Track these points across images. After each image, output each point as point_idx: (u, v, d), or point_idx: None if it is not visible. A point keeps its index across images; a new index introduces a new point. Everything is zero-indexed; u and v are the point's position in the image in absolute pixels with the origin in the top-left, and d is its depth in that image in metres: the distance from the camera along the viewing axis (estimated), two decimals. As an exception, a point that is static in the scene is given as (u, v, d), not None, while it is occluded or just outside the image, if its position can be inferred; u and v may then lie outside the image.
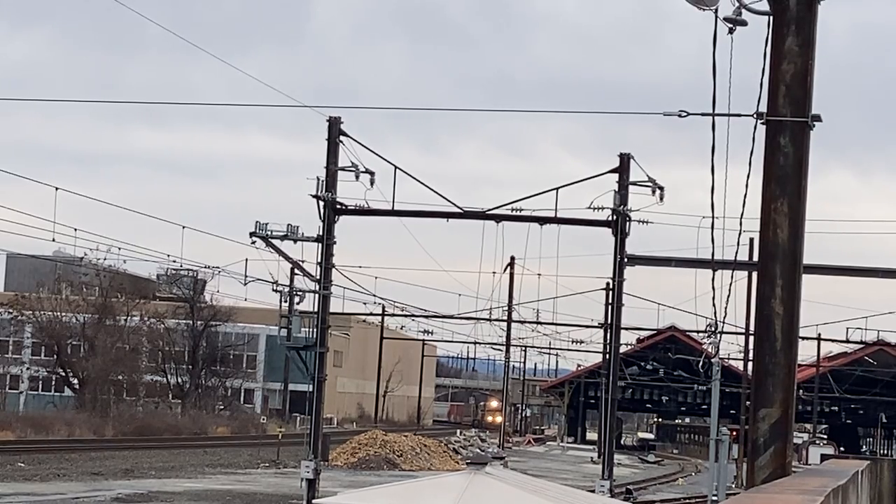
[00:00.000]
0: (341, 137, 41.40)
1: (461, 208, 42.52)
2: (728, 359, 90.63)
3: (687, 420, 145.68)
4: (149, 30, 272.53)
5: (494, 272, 56.21)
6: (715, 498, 46.10)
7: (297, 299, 43.70)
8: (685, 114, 28.35)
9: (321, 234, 41.58)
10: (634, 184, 43.13)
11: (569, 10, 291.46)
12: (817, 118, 12.53)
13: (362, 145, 41.63)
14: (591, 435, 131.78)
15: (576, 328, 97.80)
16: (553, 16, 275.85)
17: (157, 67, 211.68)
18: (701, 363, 68.46)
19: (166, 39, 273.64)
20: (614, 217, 42.56)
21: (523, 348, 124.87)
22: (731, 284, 15.37)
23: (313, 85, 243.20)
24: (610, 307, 48.29)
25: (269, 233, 42.11)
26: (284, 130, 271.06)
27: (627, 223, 42.79)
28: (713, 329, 42.69)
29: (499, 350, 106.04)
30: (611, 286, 46.60)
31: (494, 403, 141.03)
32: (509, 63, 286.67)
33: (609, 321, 49.89)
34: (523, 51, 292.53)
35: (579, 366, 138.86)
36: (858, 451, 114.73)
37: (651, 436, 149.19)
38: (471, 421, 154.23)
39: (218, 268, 63.57)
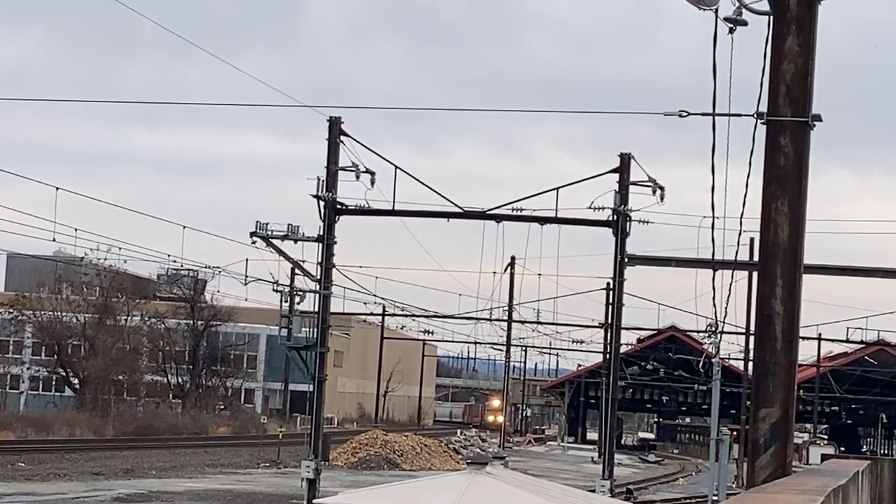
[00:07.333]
0: (341, 137, 41.41)
1: (461, 208, 42.49)
2: (728, 359, 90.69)
3: (687, 420, 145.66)
4: (144, 29, 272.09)
5: (495, 272, 56.18)
6: (715, 498, 46.09)
7: (297, 299, 43.72)
8: (685, 114, 28.40)
9: (321, 233, 41.57)
10: (635, 184, 43.11)
11: (564, 8, 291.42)
12: (818, 118, 12.54)
13: (363, 145, 41.67)
14: (592, 435, 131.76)
15: (576, 328, 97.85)
16: (548, 15, 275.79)
17: (152, 67, 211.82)
18: (701, 363, 68.52)
19: (161, 39, 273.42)
20: (614, 217, 42.54)
21: (524, 348, 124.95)
22: (731, 284, 15.40)
23: (308, 84, 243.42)
24: (610, 307, 48.28)
25: (269, 233, 42.10)
26: (281, 130, 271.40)
27: (628, 223, 42.78)
28: (713, 329, 42.75)
29: (499, 350, 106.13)
30: (611, 286, 46.59)
31: (495, 403, 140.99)
32: (505, 62, 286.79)
33: (609, 321, 49.89)
34: (519, 50, 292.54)
35: (580, 366, 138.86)
36: (859, 451, 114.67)
37: (651, 436, 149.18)
38: (478, 421, 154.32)
39: (218, 268, 63.68)
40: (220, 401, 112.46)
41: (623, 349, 76.79)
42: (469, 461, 22.08)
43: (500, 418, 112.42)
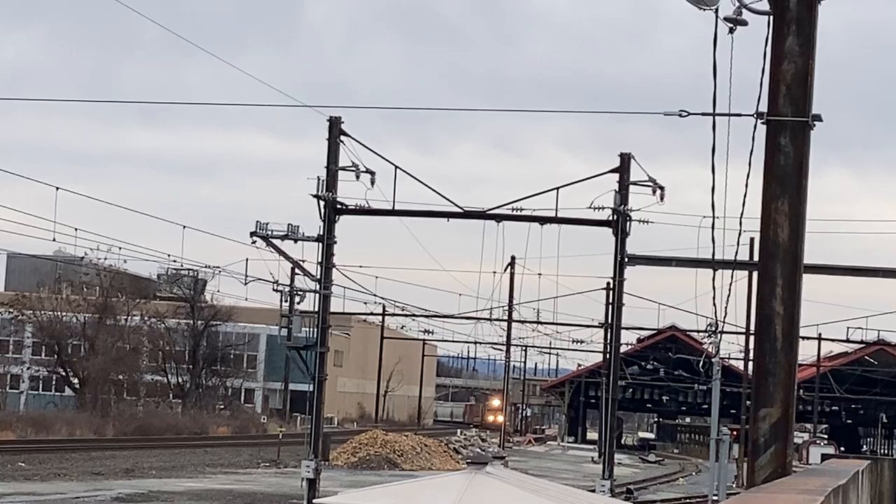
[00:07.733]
0: (341, 137, 41.39)
1: (462, 208, 42.47)
2: (728, 359, 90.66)
3: (687, 420, 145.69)
4: (143, 29, 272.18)
5: (495, 272, 56.16)
6: (715, 498, 46.10)
7: (297, 299, 43.65)
8: (685, 113, 28.36)
9: (321, 233, 41.55)
10: (635, 184, 43.08)
11: (564, 8, 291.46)
12: (818, 118, 12.53)
13: (363, 145, 41.65)
14: (592, 435, 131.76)
15: (576, 328, 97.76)
16: (548, 15, 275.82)
17: (152, 67, 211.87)
18: (701, 363, 68.51)
19: (160, 39, 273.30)
20: (615, 217, 42.52)
21: (524, 348, 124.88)
22: (731, 284, 15.39)
23: (308, 84, 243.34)
24: (610, 307, 48.23)
25: (269, 232, 42.09)
26: (281, 130, 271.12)
27: (628, 223, 42.76)
28: (713, 329, 42.74)
29: (499, 350, 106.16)
30: (611, 286, 46.56)
31: (495, 403, 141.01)
32: (505, 62, 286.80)
33: (609, 321, 49.85)
34: (519, 50, 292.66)
35: (580, 365, 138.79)
36: (859, 451, 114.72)
37: (651, 435, 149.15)
38: (479, 421, 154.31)
39: (218, 267, 63.66)
40: (220, 401, 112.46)
41: (623, 349, 76.73)
42: (469, 461, 22.09)
43: (500, 418, 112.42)
